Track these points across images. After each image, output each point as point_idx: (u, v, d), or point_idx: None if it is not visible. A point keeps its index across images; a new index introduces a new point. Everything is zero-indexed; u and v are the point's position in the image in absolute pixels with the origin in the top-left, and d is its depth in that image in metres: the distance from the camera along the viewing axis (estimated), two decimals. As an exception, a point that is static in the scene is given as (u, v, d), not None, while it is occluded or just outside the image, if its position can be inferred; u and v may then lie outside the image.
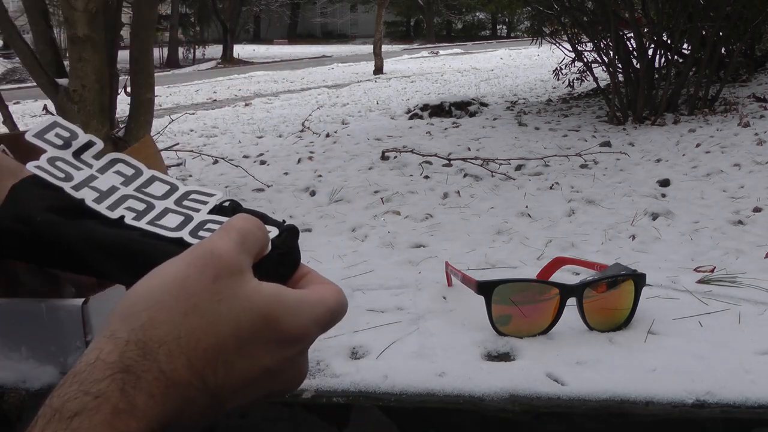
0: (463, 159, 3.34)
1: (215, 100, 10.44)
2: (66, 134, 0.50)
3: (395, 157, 3.56)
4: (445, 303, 1.43)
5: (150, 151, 0.82)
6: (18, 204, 0.47)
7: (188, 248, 0.40)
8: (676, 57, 5.08)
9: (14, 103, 9.76)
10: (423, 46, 28.94)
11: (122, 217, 0.45)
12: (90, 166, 0.49)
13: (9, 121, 2.96)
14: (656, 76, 4.75)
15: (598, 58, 5.05)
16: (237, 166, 3.51)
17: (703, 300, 1.37)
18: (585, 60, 5.33)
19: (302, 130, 5.03)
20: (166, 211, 0.46)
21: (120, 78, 3.07)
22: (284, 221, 0.47)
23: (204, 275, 0.39)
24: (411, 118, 5.52)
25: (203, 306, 0.38)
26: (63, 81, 2.88)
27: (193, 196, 0.48)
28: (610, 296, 1.25)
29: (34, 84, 3.12)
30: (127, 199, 0.47)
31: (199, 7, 28.45)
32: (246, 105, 8.53)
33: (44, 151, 0.50)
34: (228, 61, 24.61)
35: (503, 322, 1.24)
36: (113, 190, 0.48)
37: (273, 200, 2.82)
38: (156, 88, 3.33)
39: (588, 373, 1.09)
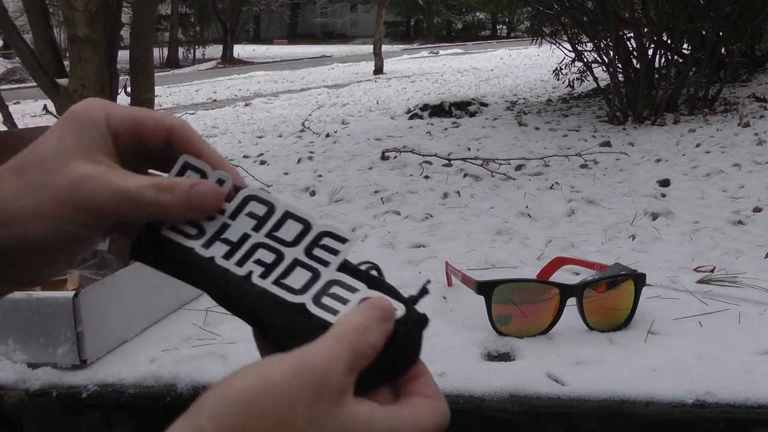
0: (463, 159, 3.34)
1: (215, 100, 10.44)
2: (196, 176, 0.47)
3: (395, 157, 3.56)
4: (445, 303, 1.43)
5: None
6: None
7: (298, 352, 0.39)
8: (676, 57, 5.08)
9: (14, 103, 9.77)
10: (423, 46, 28.93)
11: (250, 274, 0.44)
12: (223, 209, 0.46)
13: (9, 121, 2.96)
14: (656, 76, 4.75)
15: (598, 58, 5.04)
16: (237, 166, 3.51)
17: (703, 300, 1.37)
18: (585, 60, 5.33)
19: (302, 130, 5.03)
20: (294, 265, 0.45)
21: (120, 78, 3.07)
22: (416, 297, 0.44)
23: (305, 392, 0.38)
24: (411, 118, 5.52)
25: (296, 424, 0.37)
26: (63, 81, 2.88)
27: (325, 241, 0.45)
28: (610, 296, 1.25)
29: (34, 84, 3.12)
30: (257, 249, 0.45)
31: (199, 7, 28.44)
32: (246, 105, 8.53)
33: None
34: (228, 61, 24.61)
35: (503, 322, 1.24)
36: (244, 239, 0.46)
37: (273, 200, 2.82)
38: (156, 88, 3.33)
39: (588, 373, 1.09)
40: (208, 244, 0.45)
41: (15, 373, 1.18)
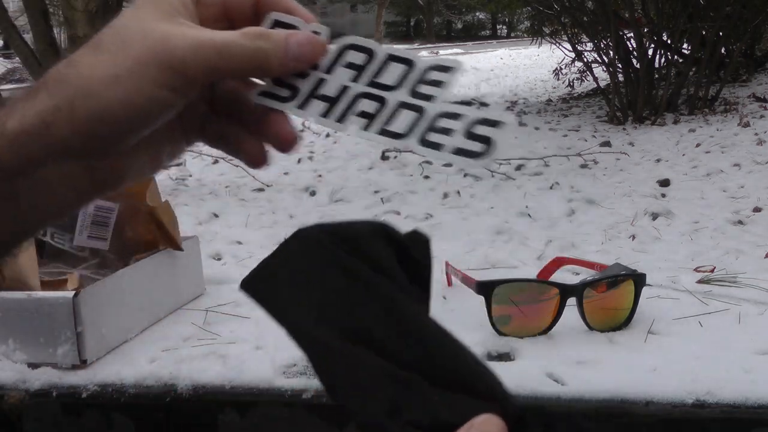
0: (463, 159, 3.34)
1: (215, 100, 10.43)
2: None
3: (395, 157, 3.55)
4: (445, 303, 1.43)
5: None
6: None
7: None
8: (676, 57, 5.08)
9: (14, 103, 9.75)
10: (423, 46, 28.88)
11: (352, 129, 0.41)
12: (316, 65, 0.42)
13: (9, 121, 2.96)
14: (656, 76, 4.75)
15: (598, 58, 5.05)
16: (237, 166, 3.50)
17: (703, 300, 1.37)
18: (585, 60, 5.33)
19: (302, 130, 5.03)
20: (398, 109, 0.40)
21: (120, 78, 3.07)
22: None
23: None
24: (411, 118, 5.52)
25: None
26: (63, 81, 2.89)
27: (429, 74, 0.41)
28: (610, 296, 1.25)
29: (34, 84, 3.12)
30: (358, 100, 0.41)
31: (199, 7, 28.47)
32: (246, 105, 8.53)
33: None
34: (228, 61, 24.62)
35: (503, 322, 1.23)
36: (343, 92, 0.42)
37: (273, 200, 2.82)
38: (156, 88, 3.32)
39: (588, 373, 1.09)
40: (303, 104, 0.41)
41: (15, 373, 1.18)
